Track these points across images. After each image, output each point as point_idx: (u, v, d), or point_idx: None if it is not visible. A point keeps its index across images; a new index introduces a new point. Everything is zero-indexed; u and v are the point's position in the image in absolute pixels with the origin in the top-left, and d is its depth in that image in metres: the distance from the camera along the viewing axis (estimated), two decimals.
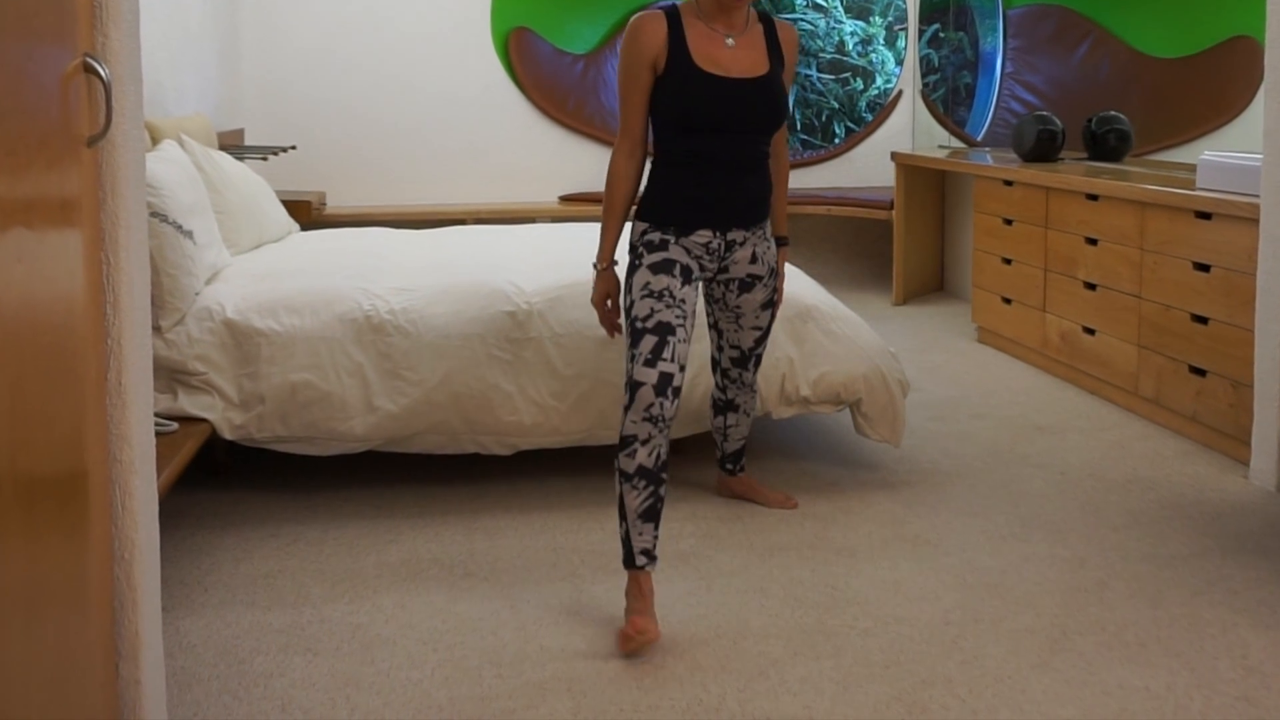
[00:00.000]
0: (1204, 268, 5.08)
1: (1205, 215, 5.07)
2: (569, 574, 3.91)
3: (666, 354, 3.53)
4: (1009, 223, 6.80)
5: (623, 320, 3.73)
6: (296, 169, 8.53)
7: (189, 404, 4.36)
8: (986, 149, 8.84)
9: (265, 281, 4.72)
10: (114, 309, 2.41)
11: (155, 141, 5.20)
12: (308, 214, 7.40)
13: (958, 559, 3.99)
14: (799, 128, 11.15)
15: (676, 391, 3.53)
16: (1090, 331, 5.97)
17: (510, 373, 4.45)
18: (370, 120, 8.89)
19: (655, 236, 3.74)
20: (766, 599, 3.70)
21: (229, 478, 4.81)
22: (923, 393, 5.97)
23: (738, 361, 4.20)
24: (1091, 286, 5.96)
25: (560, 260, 4.90)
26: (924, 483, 4.72)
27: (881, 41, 11.26)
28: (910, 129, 9.52)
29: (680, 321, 3.60)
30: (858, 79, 11.26)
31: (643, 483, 3.47)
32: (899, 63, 10.11)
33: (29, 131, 2.01)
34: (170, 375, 4.37)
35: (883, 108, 9.85)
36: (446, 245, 5.72)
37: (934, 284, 8.91)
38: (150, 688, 2.53)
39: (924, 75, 9.70)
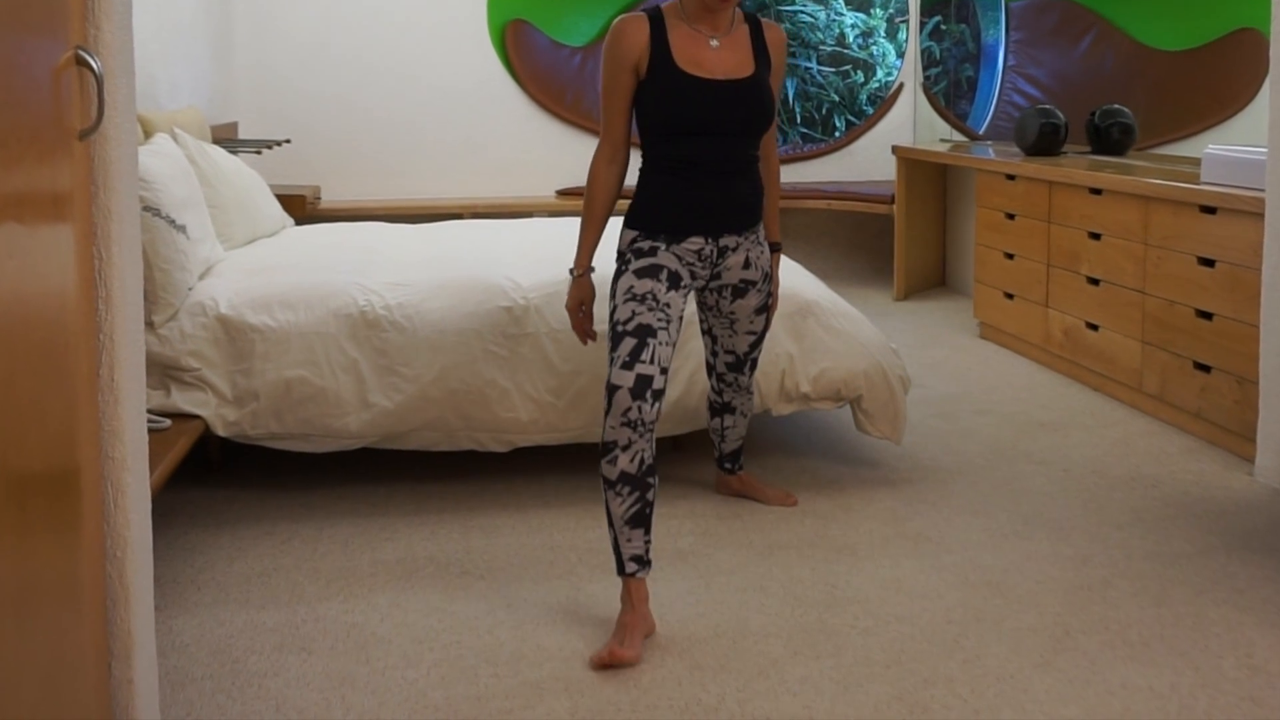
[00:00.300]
0: (1209, 263, 5.08)
1: (1210, 209, 5.07)
2: (566, 572, 3.91)
3: (645, 356, 3.49)
4: (1011, 217, 6.80)
5: (604, 324, 3.72)
6: (291, 163, 8.52)
7: (182, 400, 4.35)
8: (988, 142, 8.85)
9: (259, 276, 4.72)
10: (106, 304, 2.41)
11: (148, 135, 5.20)
12: (302, 208, 7.40)
13: (959, 557, 3.99)
14: (799, 120, 11.15)
15: (657, 395, 3.48)
16: (1093, 327, 5.97)
17: (507, 369, 4.45)
18: (365, 113, 8.89)
19: (645, 244, 3.71)
20: (766, 598, 3.70)
21: (222, 475, 4.81)
22: (924, 389, 5.97)
23: (733, 366, 4.19)
24: (1095, 282, 5.96)
25: (557, 255, 4.89)
26: (925, 480, 4.72)
27: (882, 34, 11.27)
28: (911, 122, 9.51)
29: (662, 325, 3.57)
30: (858, 72, 11.27)
31: (626, 489, 3.43)
32: (900, 55, 10.11)
33: (20, 125, 2.00)
34: (163, 371, 4.36)
35: (884, 101, 9.85)
36: (442, 240, 5.72)
37: (935, 279, 8.91)
38: (143, 687, 2.53)
39: (925, 68, 9.70)
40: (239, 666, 3.31)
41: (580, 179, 8.80)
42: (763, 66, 3.79)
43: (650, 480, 3.46)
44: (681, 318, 3.69)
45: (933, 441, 5.19)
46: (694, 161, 3.70)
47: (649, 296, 3.59)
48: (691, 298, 4.35)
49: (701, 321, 4.15)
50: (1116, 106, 7.08)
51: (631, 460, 3.42)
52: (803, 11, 11.17)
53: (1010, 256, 6.81)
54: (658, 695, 3.13)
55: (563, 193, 8.97)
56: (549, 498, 4.56)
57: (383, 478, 4.78)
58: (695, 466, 4.83)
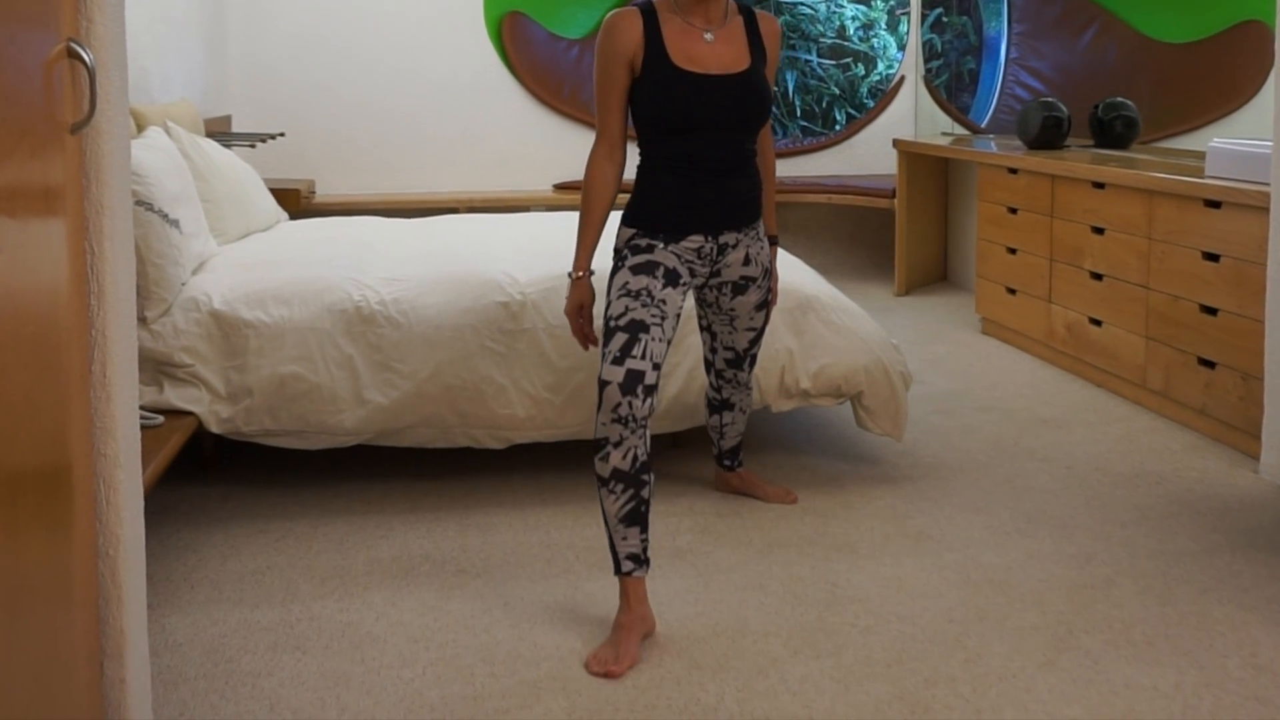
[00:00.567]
0: (1213, 257, 5.08)
1: (1214, 204, 5.07)
2: (563, 570, 3.91)
3: (636, 351, 3.47)
4: (1014, 211, 6.80)
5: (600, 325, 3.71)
6: (285, 156, 8.52)
7: (175, 397, 4.35)
8: (991, 136, 8.84)
9: (253, 271, 4.72)
10: (98, 299, 2.40)
11: (140, 128, 5.20)
12: (296, 202, 7.40)
13: (961, 555, 3.99)
14: (799, 114, 11.15)
15: (649, 390, 3.46)
16: (1097, 323, 5.97)
17: (503, 365, 4.45)
18: (360, 106, 8.88)
19: (643, 241, 3.71)
20: (766, 596, 3.70)
21: (216, 472, 4.81)
22: (925, 385, 5.97)
23: (732, 363, 4.19)
24: (1098, 277, 5.96)
25: (555, 250, 4.89)
26: (927, 477, 4.72)
27: (883, 26, 11.26)
28: (913, 115, 9.51)
29: (656, 320, 3.56)
30: (859, 64, 11.26)
31: (620, 486, 3.42)
32: (901, 48, 10.11)
33: (11, 118, 2.00)
34: (156, 367, 4.36)
35: (885, 94, 9.85)
36: (438, 234, 5.72)
37: (937, 274, 8.91)
38: (135, 687, 2.53)
39: (927, 60, 9.70)
40: (232, 666, 3.31)
41: (578, 172, 8.79)
42: (759, 59, 3.78)
43: (645, 478, 3.45)
44: (679, 314, 3.68)
45: (934, 438, 5.19)
46: (692, 158, 3.70)
47: (643, 292, 3.59)
48: (690, 294, 4.34)
49: (700, 318, 4.15)
50: (1120, 99, 7.08)
51: (624, 457, 3.41)
52: (802, 3, 11.17)
53: (1012, 251, 6.81)
54: (656, 695, 3.13)
55: (560, 186, 8.97)
56: (546, 495, 4.56)
57: (378, 475, 4.77)
58: (694, 463, 4.83)
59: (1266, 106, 7.00)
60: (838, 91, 11.24)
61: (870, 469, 4.82)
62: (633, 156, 3.79)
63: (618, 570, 3.45)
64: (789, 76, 11.15)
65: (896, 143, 8.55)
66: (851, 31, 11.28)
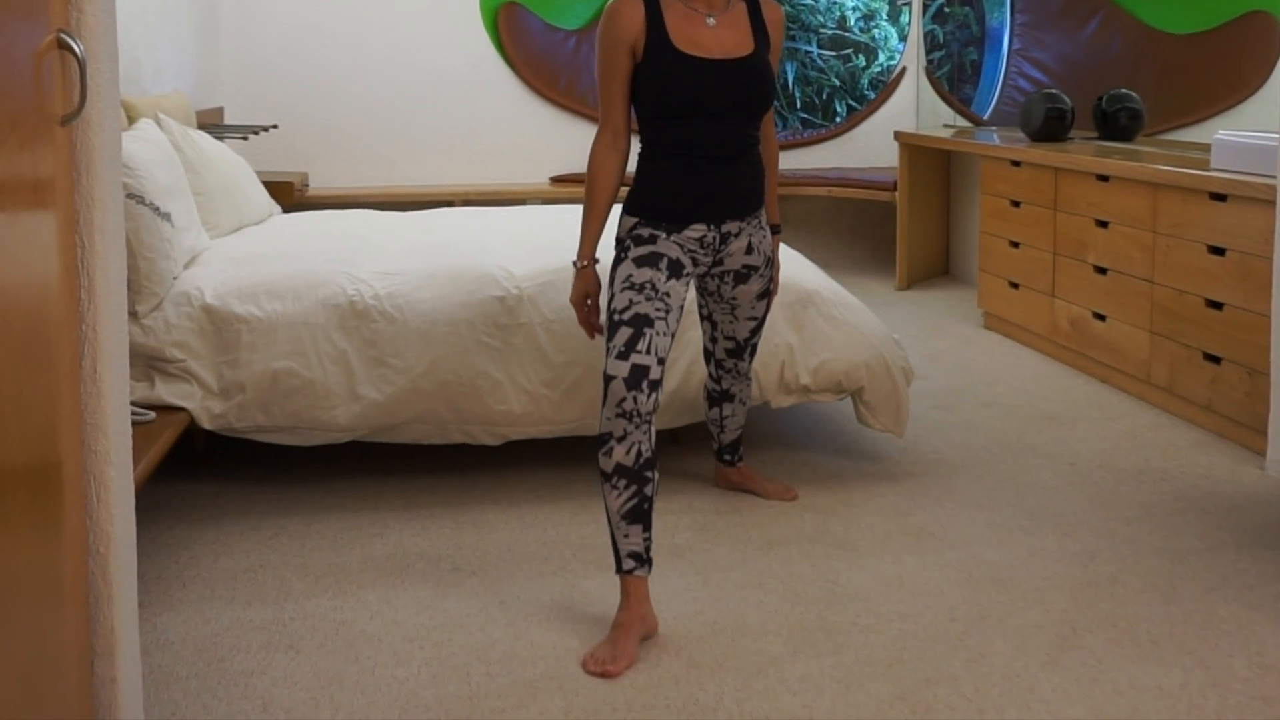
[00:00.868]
0: (1219, 251, 5.08)
1: (1220, 197, 5.07)
2: (560, 568, 3.91)
3: (641, 346, 3.48)
4: (1016, 204, 6.80)
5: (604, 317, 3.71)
6: (278, 149, 8.50)
7: (167, 392, 4.35)
8: (993, 128, 8.84)
9: (246, 265, 4.72)
10: (89, 294, 2.40)
11: (131, 120, 5.19)
12: (290, 195, 7.39)
13: (963, 553, 3.99)
14: (799, 105, 11.15)
15: (654, 385, 3.47)
16: (1101, 317, 5.97)
17: (499, 360, 4.45)
18: (355, 98, 8.87)
19: (645, 231, 3.70)
20: (765, 594, 3.70)
21: (208, 469, 4.81)
22: (927, 381, 5.97)
23: (733, 353, 4.19)
24: (1102, 271, 5.96)
25: (551, 243, 4.89)
26: (928, 474, 4.72)
27: (884, 16, 11.26)
28: (914, 107, 9.51)
29: (660, 314, 3.56)
30: (860, 55, 11.26)
31: (623, 482, 3.42)
32: (902, 39, 10.11)
33: (0, 110, 2.00)
34: (147, 362, 4.36)
35: (886, 85, 9.84)
36: (433, 228, 5.71)
37: (939, 268, 8.91)
38: (126, 686, 2.53)
39: (928, 52, 9.70)
40: (225, 665, 3.31)
41: (575, 165, 8.82)
42: (762, 44, 3.78)
43: (648, 474, 3.45)
44: (682, 307, 3.68)
45: (936, 434, 5.20)
46: (694, 145, 3.70)
47: (647, 285, 3.58)
48: (691, 284, 4.34)
49: (701, 307, 4.15)
50: (1124, 91, 7.08)
51: (628, 452, 3.41)
52: None
53: (1015, 245, 6.81)
54: (654, 694, 3.13)
55: (557, 179, 8.96)
56: (543, 492, 4.56)
57: (372, 472, 4.77)
58: (693, 460, 4.83)
59: (1273, 98, 7.00)
60: (838, 83, 11.24)
61: (871, 465, 4.82)
62: (635, 146, 3.79)
63: (619, 569, 3.45)
64: (789, 68, 11.14)
65: (898, 135, 8.55)
66: (852, 22, 11.28)
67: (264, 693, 3.16)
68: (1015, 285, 6.81)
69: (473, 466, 4.80)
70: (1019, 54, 9.25)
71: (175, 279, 4.52)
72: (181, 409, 4.34)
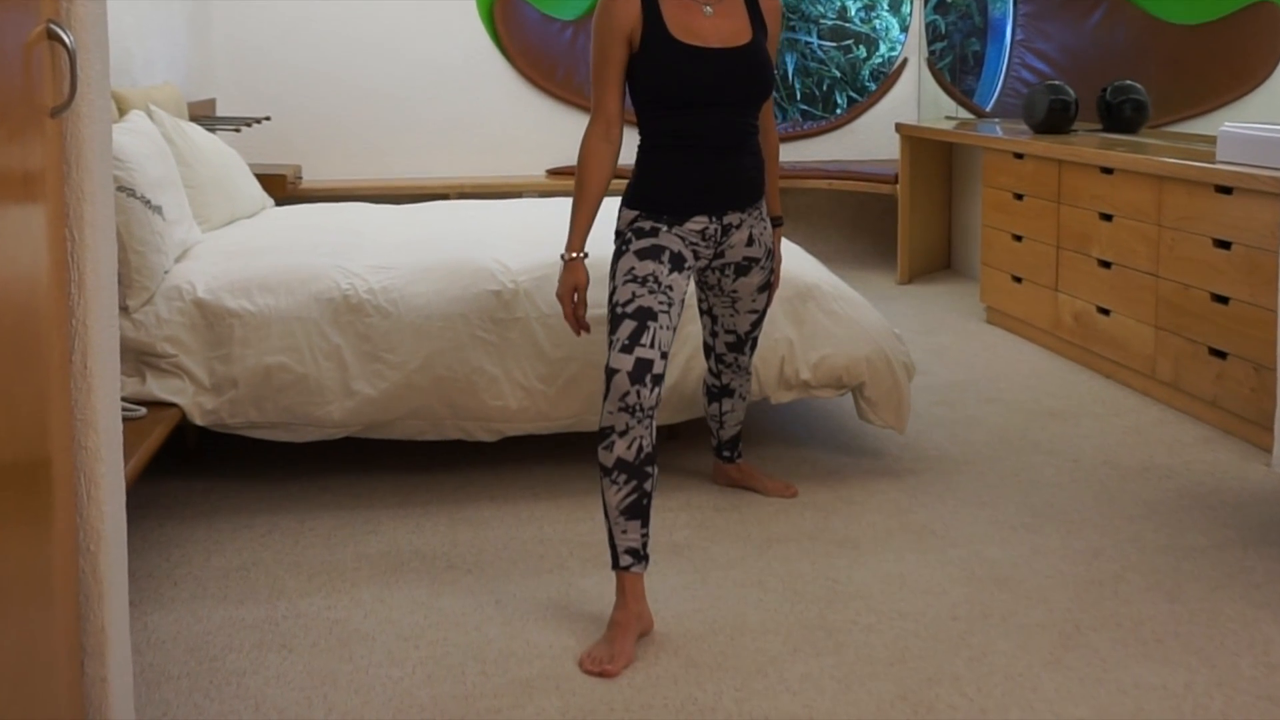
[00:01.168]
0: (1224, 245, 5.08)
1: (1226, 189, 5.07)
2: (557, 566, 3.91)
3: (645, 340, 3.48)
4: (1019, 197, 6.80)
5: (599, 309, 3.71)
6: (271, 141, 8.50)
7: (158, 388, 4.35)
8: (996, 120, 8.84)
9: (238, 259, 4.71)
10: (79, 288, 2.40)
11: (122, 112, 5.19)
12: (283, 188, 7.39)
13: (965, 551, 3.99)
14: (799, 97, 11.14)
15: (657, 379, 3.48)
16: (1105, 312, 5.97)
17: (495, 355, 4.45)
18: (348, 90, 8.87)
19: (646, 224, 3.70)
20: (765, 593, 3.70)
21: (200, 465, 4.81)
22: (929, 376, 5.97)
23: (733, 346, 4.19)
24: (1106, 265, 5.96)
25: (548, 237, 4.88)
26: (930, 471, 4.72)
27: (885, 7, 11.26)
28: (916, 99, 9.50)
29: (664, 308, 3.56)
30: (860, 46, 11.26)
31: (623, 477, 3.43)
32: (904, 29, 10.11)
33: None
34: (138, 358, 4.36)
35: (887, 76, 9.84)
36: (428, 221, 5.71)
37: (940, 262, 8.91)
38: (117, 686, 2.53)
39: (930, 42, 9.69)
40: (217, 664, 3.31)
41: (572, 157, 8.78)
42: (760, 33, 3.78)
43: (648, 470, 3.45)
44: (684, 300, 3.68)
45: (938, 431, 5.20)
46: (694, 135, 3.69)
47: (650, 279, 3.58)
48: (692, 278, 4.33)
49: (701, 301, 4.14)
50: (1129, 82, 7.07)
51: (629, 447, 3.42)
52: None
53: (1018, 238, 6.81)
54: (652, 694, 3.13)
55: (553, 172, 8.96)
56: (539, 489, 4.56)
57: (366, 468, 4.77)
58: (692, 456, 4.83)
59: (1279, 90, 7.00)
60: (839, 74, 11.23)
61: (872, 462, 4.82)
62: (631, 138, 3.78)
63: (615, 565, 3.45)
64: (789, 59, 11.14)
65: (899, 127, 8.55)
66: (853, 13, 11.27)
67: (256, 692, 3.16)
68: (1018, 279, 6.82)
69: (468, 463, 4.80)
70: (1022, 45, 9.25)
71: (166, 273, 4.51)
72: (173, 405, 4.34)
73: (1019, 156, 6.81)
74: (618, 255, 3.68)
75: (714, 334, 4.19)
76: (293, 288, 4.49)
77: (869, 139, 9.51)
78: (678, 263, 3.67)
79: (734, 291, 4.01)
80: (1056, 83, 7.21)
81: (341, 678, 3.23)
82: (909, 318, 7.27)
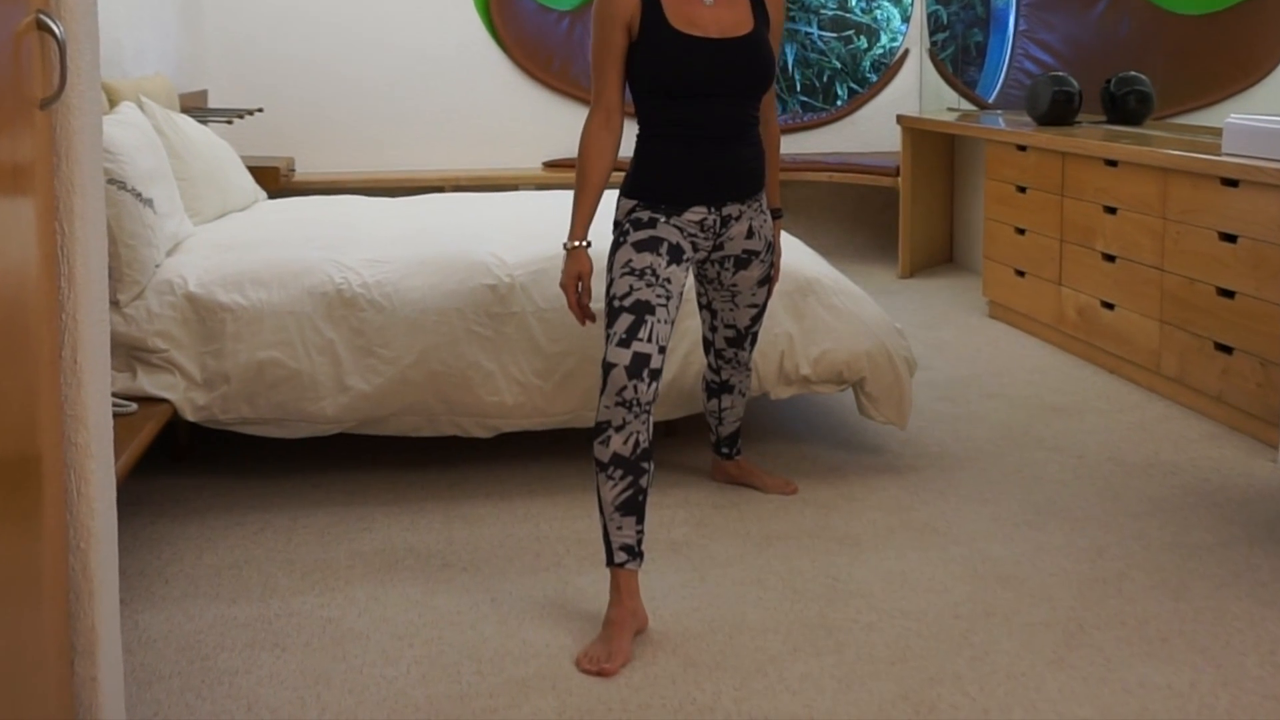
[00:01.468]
0: (1230, 238, 5.08)
1: (1232, 182, 5.07)
2: (553, 564, 3.91)
3: (643, 334, 3.48)
4: (1022, 190, 6.80)
5: (602, 301, 3.71)
6: (263, 133, 8.49)
7: (149, 383, 4.34)
8: (998, 112, 8.84)
9: (230, 253, 4.71)
10: (69, 282, 2.40)
11: (113, 104, 5.18)
12: (275, 181, 7.38)
13: (968, 548, 3.99)
14: (799, 89, 11.14)
15: (654, 374, 3.48)
16: (1109, 306, 5.97)
17: (491, 350, 4.45)
18: (342, 81, 8.86)
19: (644, 215, 3.71)
20: (764, 591, 3.70)
21: (192, 462, 4.81)
22: (930, 371, 5.97)
23: (733, 341, 4.19)
24: (1110, 258, 5.96)
25: (544, 230, 4.89)
26: (932, 467, 4.72)
27: None
28: (917, 90, 9.50)
29: (662, 301, 3.56)
30: (861, 37, 11.26)
31: (619, 472, 3.43)
32: (905, 20, 10.11)
33: None
34: (129, 353, 4.36)
35: (888, 68, 9.84)
36: (423, 214, 5.71)
37: (942, 255, 8.91)
38: (108, 685, 2.53)
39: (932, 33, 9.69)
40: (209, 664, 3.31)
41: (569, 149, 8.81)
42: (761, 23, 3.78)
43: (645, 465, 3.46)
44: (682, 293, 3.68)
45: (939, 426, 5.20)
46: (693, 126, 3.70)
47: (648, 271, 3.58)
48: (691, 270, 4.33)
49: (700, 295, 4.14)
50: (1133, 74, 7.07)
51: (625, 442, 3.42)
52: None
53: (1021, 232, 6.81)
54: (650, 694, 3.13)
55: (550, 164, 8.95)
56: (535, 486, 4.56)
57: (360, 465, 4.77)
58: (690, 453, 4.83)
59: None
60: (839, 65, 11.23)
61: (873, 458, 4.82)
62: (629, 129, 3.78)
63: (610, 561, 3.45)
64: (789, 50, 11.13)
65: (900, 119, 8.54)
66: (853, 3, 11.27)
67: (249, 692, 3.16)
68: (1021, 273, 6.81)
69: (463, 459, 4.80)
70: (1025, 35, 9.25)
71: (158, 267, 4.51)
72: (164, 400, 4.34)
73: (1022, 149, 6.81)
74: (615, 247, 3.69)
75: (713, 329, 4.19)
76: (286, 282, 4.49)
77: (870, 131, 9.51)
78: (676, 255, 3.67)
79: (733, 285, 4.01)
80: (1060, 74, 7.20)
81: (335, 677, 3.23)
82: (910, 312, 7.27)
